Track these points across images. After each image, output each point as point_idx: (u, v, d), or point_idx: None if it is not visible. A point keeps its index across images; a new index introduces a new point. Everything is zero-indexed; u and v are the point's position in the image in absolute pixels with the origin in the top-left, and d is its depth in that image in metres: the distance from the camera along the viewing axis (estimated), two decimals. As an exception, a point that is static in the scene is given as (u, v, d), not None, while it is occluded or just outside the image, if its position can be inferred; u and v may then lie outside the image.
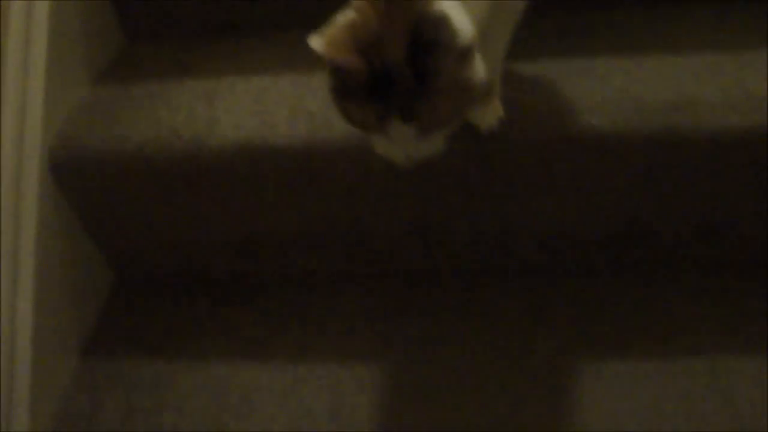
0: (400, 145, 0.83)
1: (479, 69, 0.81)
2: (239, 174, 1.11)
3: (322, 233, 1.18)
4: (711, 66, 1.10)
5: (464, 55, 0.77)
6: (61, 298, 1.17)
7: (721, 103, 1.04)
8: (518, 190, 1.11)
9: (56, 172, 1.14)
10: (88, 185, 1.16)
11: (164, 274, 1.28)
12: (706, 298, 1.13)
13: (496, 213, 1.14)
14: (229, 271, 1.26)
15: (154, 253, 1.26)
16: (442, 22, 0.77)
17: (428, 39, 0.77)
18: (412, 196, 1.12)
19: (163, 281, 1.28)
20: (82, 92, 1.23)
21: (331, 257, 1.22)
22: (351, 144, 1.06)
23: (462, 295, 1.18)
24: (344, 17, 0.80)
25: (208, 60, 1.25)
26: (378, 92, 0.78)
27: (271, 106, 1.13)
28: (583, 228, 1.15)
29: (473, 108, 0.87)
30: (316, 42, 0.77)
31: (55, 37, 1.17)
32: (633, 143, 1.04)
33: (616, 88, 1.07)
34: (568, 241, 1.17)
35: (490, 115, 1.03)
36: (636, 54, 1.13)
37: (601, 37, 1.17)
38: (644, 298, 1.14)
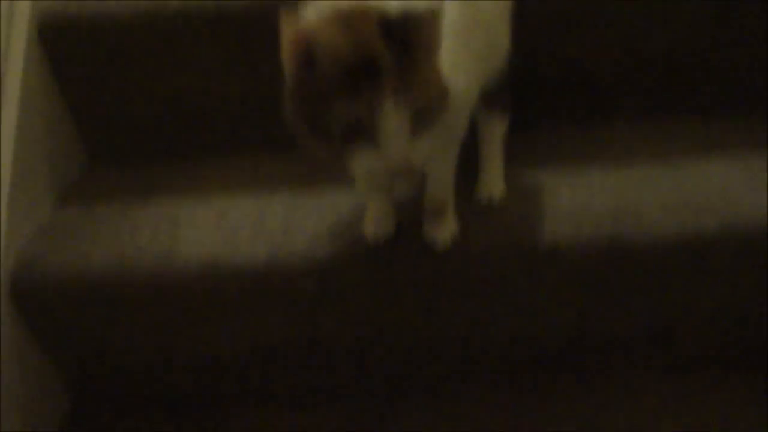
0: (392, 142, 0.82)
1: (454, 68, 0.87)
2: (203, 293, 1.12)
3: (284, 349, 1.19)
4: (650, 176, 1.17)
5: (433, 19, 0.81)
6: (19, 421, 1.15)
7: (661, 210, 1.11)
8: (473, 302, 1.14)
9: (16, 294, 1.14)
10: (48, 307, 1.16)
11: (124, 394, 1.27)
12: (662, 399, 1.16)
13: (452, 324, 1.16)
14: (191, 390, 1.25)
15: (115, 375, 1.25)
16: (402, 11, 0.82)
17: (397, 22, 0.81)
18: (370, 310, 1.14)
19: (124, 401, 1.26)
20: (44, 213, 1.24)
21: (293, 373, 1.22)
22: (312, 261, 1.09)
23: (429, 404, 1.19)
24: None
25: (171, 181, 1.28)
26: (364, 81, 0.79)
27: (233, 225, 1.16)
28: (538, 336, 1.18)
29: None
30: (303, 22, 0.82)
31: (18, 158, 1.19)
32: (584, 252, 1.09)
33: (565, 200, 1.14)
34: (523, 349, 1.20)
35: (444, 231, 1.07)
36: (579, 168, 1.20)
37: (545, 153, 1.24)
38: (603, 403, 1.17)
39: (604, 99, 1.32)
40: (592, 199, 1.13)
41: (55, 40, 1.27)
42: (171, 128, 1.34)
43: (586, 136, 1.27)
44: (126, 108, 1.33)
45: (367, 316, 1.15)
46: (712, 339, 1.19)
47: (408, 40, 0.81)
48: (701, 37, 1.26)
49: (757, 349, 1.18)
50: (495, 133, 1.15)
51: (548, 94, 1.30)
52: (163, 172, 1.31)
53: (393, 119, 0.81)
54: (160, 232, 1.16)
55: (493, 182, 1.14)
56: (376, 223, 1.08)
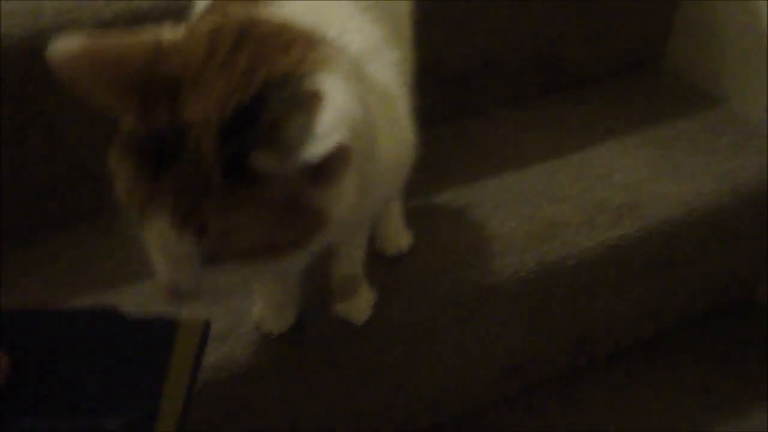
0: (169, 260, 0.55)
1: (346, 197, 0.57)
2: None
3: None
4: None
5: (327, 151, 0.50)
6: None
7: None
8: (399, 363, 0.99)
9: None
10: None
11: None
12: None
13: (377, 389, 1.01)
14: None
15: None
16: (312, 101, 0.51)
17: (278, 115, 0.51)
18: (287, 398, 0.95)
19: None
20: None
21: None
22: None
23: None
24: (150, 33, 0.56)
25: None
26: (156, 159, 0.52)
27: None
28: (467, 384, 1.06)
29: (314, 245, 0.59)
30: (59, 47, 0.52)
31: None
32: (510, 287, 0.98)
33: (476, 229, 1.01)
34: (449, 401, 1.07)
35: (362, 306, 0.89)
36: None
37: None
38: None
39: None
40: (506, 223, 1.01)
41: None
42: None
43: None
44: None
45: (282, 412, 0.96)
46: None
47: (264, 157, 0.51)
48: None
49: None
50: None
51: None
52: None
53: (159, 236, 0.53)
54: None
55: (399, 233, 0.97)
56: (272, 315, 0.87)
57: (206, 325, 0.49)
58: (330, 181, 0.54)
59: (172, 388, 0.48)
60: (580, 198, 1.05)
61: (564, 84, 1.27)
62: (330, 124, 0.51)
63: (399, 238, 0.96)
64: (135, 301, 0.84)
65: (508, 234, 1.00)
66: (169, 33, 0.57)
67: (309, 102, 0.52)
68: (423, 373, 1.00)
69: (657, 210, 1.04)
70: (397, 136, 0.70)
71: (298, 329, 0.88)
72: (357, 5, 0.70)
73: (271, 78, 0.53)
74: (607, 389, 1.11)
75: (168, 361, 0.47)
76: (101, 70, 0.53)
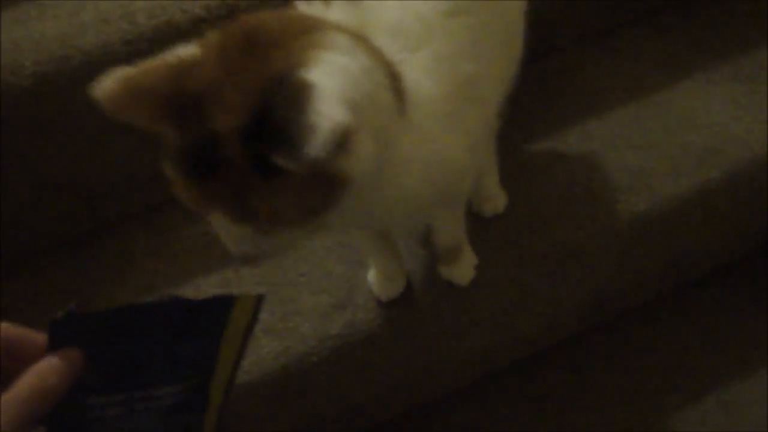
0: (232, 239, 0.64)
1: (363, 155, 0.61)
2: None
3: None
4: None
5: (330, 140, 0.54)
6: None
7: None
8: (498, 315, 1.07)
9: None
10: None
11: None
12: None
13: (480, 338, 1.10)
14: None
15: None
16: (302, 93, 0.56)
17: (279, 115, 0.56)
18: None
19: None
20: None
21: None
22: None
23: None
24: (172, 55, 0.61)
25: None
26: (200, 167, 0.59)
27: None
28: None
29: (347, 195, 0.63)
30: (101, 86, 0.58)
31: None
32: (601, 240, 1.03)
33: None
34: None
35: (465, 269, 0.97)
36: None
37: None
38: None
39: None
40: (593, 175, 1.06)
41: None
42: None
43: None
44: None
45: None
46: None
47: (293, 144, 0.54)
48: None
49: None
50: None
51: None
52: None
53: (224, 226, 0.63)
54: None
55: (495, 195, 1.02)
56: (384, 283, 0.96)
57: (259, 299, 0.53)
58: (340, 152, 0.57)
59: (225, 357, 0.53)
60: (664, 144, 1.08)
61: (641, 13, 1.26)
62: (322, 113, 0.54)
63: (495, 200, 1.02)
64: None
65: (597, 187, 1.04)
66: (187, 49, 0.62)
67: (300, 95, 0.56)
68: (518, 322, 1.08)
69: (741, 152, 1.06)
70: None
71: (408, 294, 0.97)
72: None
73: (269, 77, 0.57)
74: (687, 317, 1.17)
75: (221, 333, 0.52)
76: (138, 99, 0.58)
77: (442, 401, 1.10)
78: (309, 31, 0.62)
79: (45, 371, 0.47)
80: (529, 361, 1.12)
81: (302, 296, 0.98)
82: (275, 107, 0.56)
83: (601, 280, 1.08)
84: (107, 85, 0.58)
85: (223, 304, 0.52)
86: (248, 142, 0.57)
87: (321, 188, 0.61)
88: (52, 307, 0.48)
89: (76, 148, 1.04)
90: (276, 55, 0.59)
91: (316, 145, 0.54)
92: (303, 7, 0.71)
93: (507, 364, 1.12)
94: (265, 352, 0.95)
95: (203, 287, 1.01)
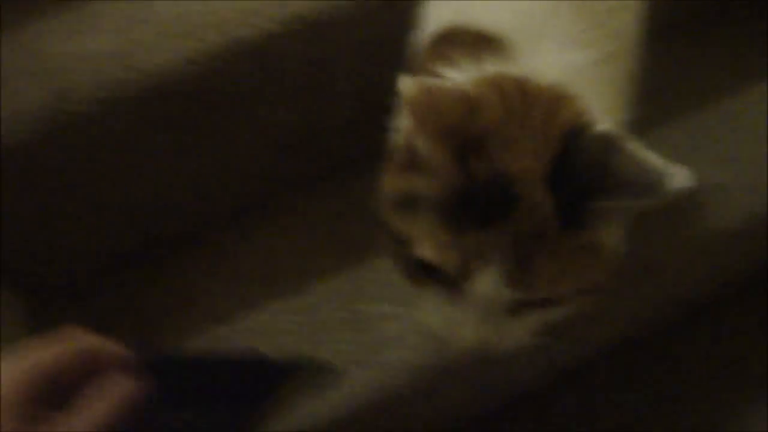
0: (477, 315, 0.57)
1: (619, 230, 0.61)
2: None
3: None
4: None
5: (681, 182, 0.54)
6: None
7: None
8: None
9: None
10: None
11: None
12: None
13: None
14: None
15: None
16: (608, 147, 0.55)
17: (586, 165, 0.55)
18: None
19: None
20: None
21: None
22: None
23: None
24: (452, 84, 0.59)
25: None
26: (467, 217, 0.54)
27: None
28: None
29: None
30: (408, 85, 0.55)
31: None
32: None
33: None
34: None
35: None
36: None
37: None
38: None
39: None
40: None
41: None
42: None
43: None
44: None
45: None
46: None
47: (601, 186, 0.54)
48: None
49: None
50: None
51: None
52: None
53: (485, 290, 0.55)
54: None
55: None
56: None
57: (322, 369, 0.54)
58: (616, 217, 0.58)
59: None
60: (738, 156, 1.05)
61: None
62: (659, 160, 0.55)
63: None
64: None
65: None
66: (470, 85, 0.59)
67: (612, 146, 0.55)
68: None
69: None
70: None
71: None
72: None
73: (566, 130, 0.57)
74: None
75: (269, 397, 0.52)
76: (431, 115, 0.55)
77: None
78: (574, 99, 0.60)
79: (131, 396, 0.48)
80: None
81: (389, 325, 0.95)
82: (586, 155, 0.55)
83: (680, 291, 1.07)
84: (413, 86, 0.54)
85: (298, 368, 0.53)
86: (553, 188, 0.54)
87: (599, 262, 0.57)
88: (114, 329, 0.51)
89: (134, 169, 0.99)
90: (562, 113, 0.58)
91: (676, 182, 0.53)
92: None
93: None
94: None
95: (273, 314, 0.97)
